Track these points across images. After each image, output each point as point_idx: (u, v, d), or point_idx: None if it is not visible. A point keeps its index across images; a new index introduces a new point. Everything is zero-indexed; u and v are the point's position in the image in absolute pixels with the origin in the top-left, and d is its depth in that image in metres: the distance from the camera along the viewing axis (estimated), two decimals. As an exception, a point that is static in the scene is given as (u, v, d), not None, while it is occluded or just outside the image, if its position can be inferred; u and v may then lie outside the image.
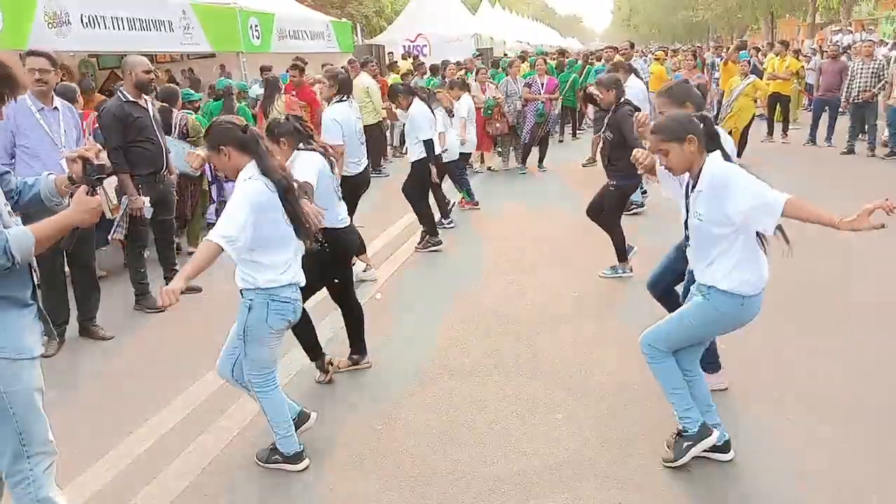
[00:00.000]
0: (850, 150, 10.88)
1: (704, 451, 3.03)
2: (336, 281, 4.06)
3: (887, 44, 19.55)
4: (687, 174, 2.94)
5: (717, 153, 2.85)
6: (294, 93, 8.57)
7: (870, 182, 8.93)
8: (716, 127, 2.96)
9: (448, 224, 7.42)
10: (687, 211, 2.97)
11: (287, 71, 9.06)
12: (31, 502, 2.17)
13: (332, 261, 3.89)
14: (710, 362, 3.69)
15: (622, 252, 5.61)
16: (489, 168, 10.92)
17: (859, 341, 4.27)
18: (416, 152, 6.43)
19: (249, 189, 2.85)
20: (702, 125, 2.85)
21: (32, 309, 2.21)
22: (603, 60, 11.27)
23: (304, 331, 3.93)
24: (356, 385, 4.02)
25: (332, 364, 4.10)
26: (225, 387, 3.96)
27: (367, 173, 5.80)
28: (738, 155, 10.29)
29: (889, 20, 27.77)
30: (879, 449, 3.16)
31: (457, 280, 5.82)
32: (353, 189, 5.46)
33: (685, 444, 3.01)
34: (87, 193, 2.21)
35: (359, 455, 3.31)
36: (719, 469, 3.05)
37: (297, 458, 3.21)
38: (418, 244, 6.73)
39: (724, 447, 3.08)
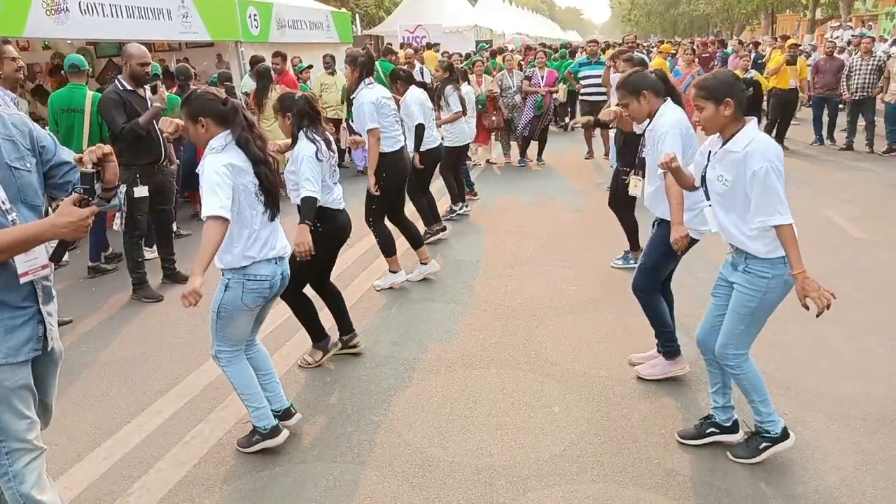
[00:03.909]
0: (849, 147, 10.90)
1: (718, 436, 3.16)
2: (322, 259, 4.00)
3: (886, 40, 19.53)
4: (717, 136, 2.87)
5: (755, 122, 2.77)
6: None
7: (867, 179, 8.95)
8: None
9: (462, 211, 7.50)
10: (705, 174, 2.91)
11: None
12: (14, 496, 2.17)
13: (321, 238, 3.86)
14: (668, 349, 3.78)
15: (632, 240, 5.66)
16: (488, 161, 10.92)
17: (858, 335, 4.29)
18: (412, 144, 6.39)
19: (218, 161, 2.91)
20: (749, 89, 2.78)
21: (27, 312, 2.13)
22: (586, 54, 11.23)
23: (308, 316, 4.05)
24: (354, 377, 4.03)
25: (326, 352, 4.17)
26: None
27: (405, 154, 5.56)
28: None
29: (889, 16, 27.73)
30: (868, 442, 3.18)
31: (455, 273, 5.82)
32: (396, 171, 5.36)
33: (763, 444, 3.01)
34: (76, 203, 1.96)
35: (356, 446, 3.32)
36: (715, 462, 3.07)
37: (274, 431, 3.26)
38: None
39: (732, 427, 3.16)
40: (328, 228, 3.91)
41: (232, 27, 10.23)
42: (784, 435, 3.01)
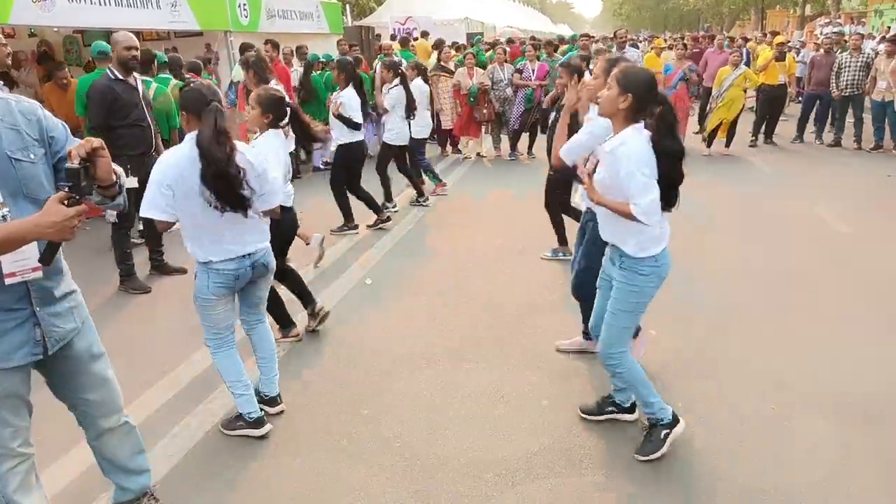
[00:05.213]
0: (837, 143, 10.96)
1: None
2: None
3: (875, 37, 19.63)
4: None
5: (639, 128, 2.78)
6: None
7: (854, 175, 9.02)
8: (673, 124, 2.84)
9: (393, 208, 7.54)
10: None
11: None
12: None
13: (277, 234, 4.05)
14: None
15: (561, 236, 5.84)
16: (478, 154, 10.89)
17: (845, 330, 4.32)
18: (341, 136, 6.50)
19: (165, 160, 3.02)
20: (659, 106, 2.78)
21: (20, 315, 2.05)
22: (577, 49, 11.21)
23: (273, 305, 4.20)
24: (343, 370, 4.02)
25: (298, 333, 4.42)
26: (210, 369, 3.96)
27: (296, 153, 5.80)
28: (727, 145, 10.35)
29: (877, 14, 27.89)
30: (855, 437, 3.21)
31: (445, 267, 5.82)
32: None
33: (663, 433, 3.07)
34: (63, 201, 1.85)
35: (345, 441, 3.31)
36: (706, 456, 3.09)
37: (259, 422, 3.32)
38: (334, 229, 6.78)
39: (630, 408, 3.32)
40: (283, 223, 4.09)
41: (221, 16, 10.14)
42: (675, 420, 3.10)
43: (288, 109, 3.79)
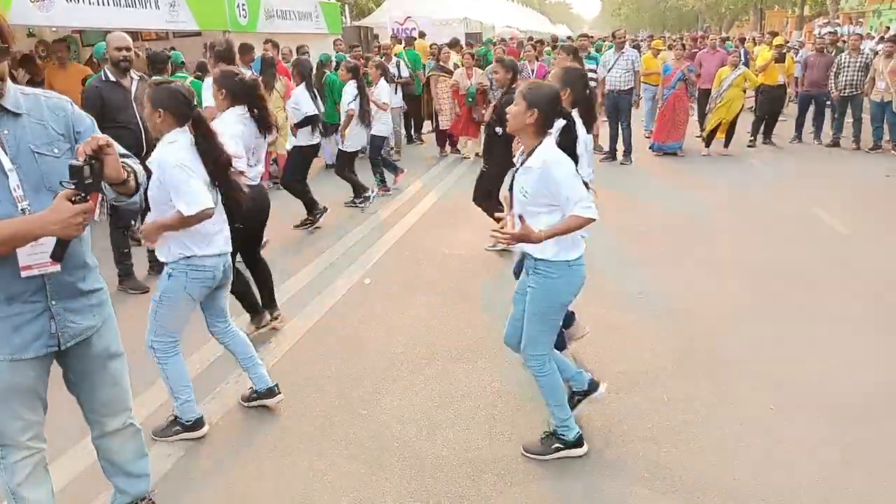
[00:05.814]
0: (835, 143, 10.96)
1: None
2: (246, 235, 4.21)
3: (873, 37, 19.65)
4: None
5: (550, 139, 2.84)
6: None
7: (853, 175, 9.02)
8: (576, 137, 2.92)
9: (361, 204, 7.69)
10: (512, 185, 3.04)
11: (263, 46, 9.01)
12: (4, 486, 2.16)
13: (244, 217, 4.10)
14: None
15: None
16: (477, 154, 10.87)
17: (844, 330, 4.32)
18: (301, 138, 6.65)
19: (179, 158, 2.98)
20: (563, 120, 2.84)
21: (36, 307, 2.05)
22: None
23: (244, 292, 4.26)
24: (341, 371, 4.01)
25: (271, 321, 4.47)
26: (210, 369, 3.96)
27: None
28: (726, 145, 10.35)
29: (876, 14, 27.93)
30: (854, 437, 3.21)
31: (441, 266, 5.81)
32: None
33: (555, 445, 3.10)
34: (70, 199, 1.83)
35: (344, 440, 3.31)
36: (705, 456, 3.09)
37: (197, 424, 3.29)
38: (302, 224, 6.88)
39: (591, 389, 3.34)
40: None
41: (220, 16, 10.13)
42: (577, 443, 3.11)
43: (245, 88, 3.84)
